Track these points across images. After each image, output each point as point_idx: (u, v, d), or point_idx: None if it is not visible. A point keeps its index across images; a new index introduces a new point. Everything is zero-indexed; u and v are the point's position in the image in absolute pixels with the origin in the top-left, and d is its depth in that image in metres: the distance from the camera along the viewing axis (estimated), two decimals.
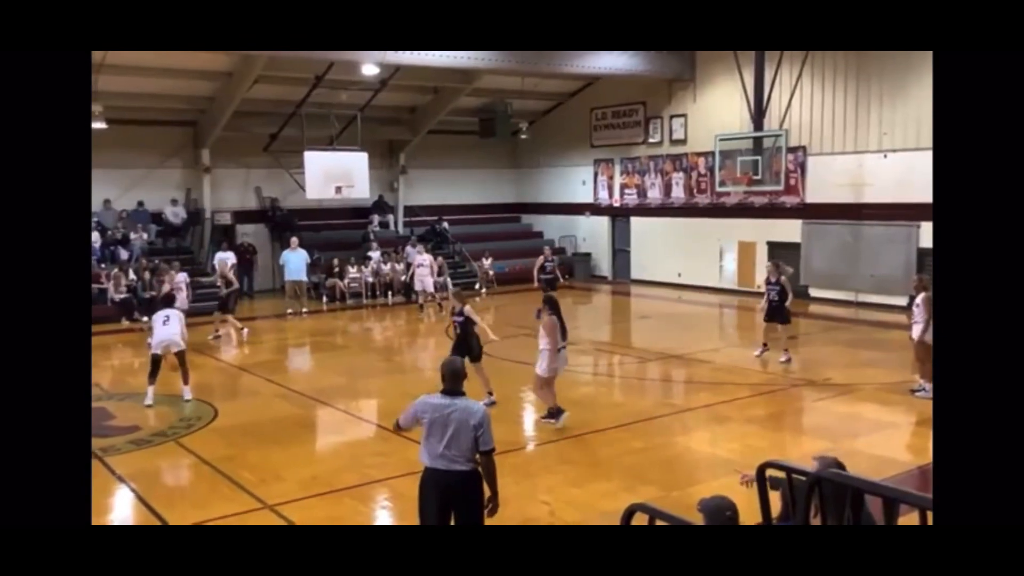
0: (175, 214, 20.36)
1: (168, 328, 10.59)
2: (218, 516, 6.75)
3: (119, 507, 7.42)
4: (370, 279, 20.27)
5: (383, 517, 7.11)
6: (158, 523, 6.72)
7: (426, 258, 18.83)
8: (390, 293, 20.24)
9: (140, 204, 19.93)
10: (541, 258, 18.04)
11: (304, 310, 18.13)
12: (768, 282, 12.89)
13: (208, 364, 13.63)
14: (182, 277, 15.45)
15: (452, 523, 5.01)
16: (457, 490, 4.95)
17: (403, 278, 20.37)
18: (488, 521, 5.11)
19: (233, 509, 6.92)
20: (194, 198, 20.90)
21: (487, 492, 5.06)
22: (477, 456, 4.98)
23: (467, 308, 10.11)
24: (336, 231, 22.49)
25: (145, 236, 19.34)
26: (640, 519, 3.18)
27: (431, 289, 18.52)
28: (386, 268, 20.53)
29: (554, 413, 9.20)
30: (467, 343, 9.90)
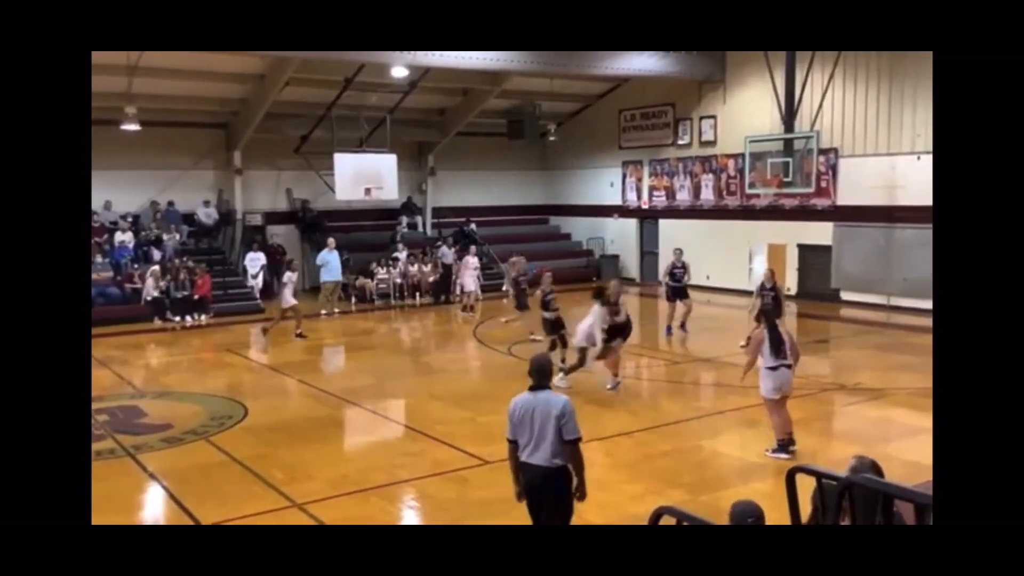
0: (207, 215, 20.63)
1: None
2: (248, 514, 6.83)
3: (150, 505, 7.53)
4: (398, 280, 20.39)
5: (410, 517, 7.15)
6: (189, 521, 6.81)
7: (474, 260, 18.83)
8: (418, 294, 20.34)
9: (171, 204, 20.18)
10: (670, 262, 15.63)
11: (336, 310, 18.30)
12: (764, 288, 13.21)
13: (239, 363, 13.79)
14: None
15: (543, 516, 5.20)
16: (540, 486, 5.12)
17: (431, 279, 20.46)
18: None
19: (263, 507, 6.99)
20: (226, 199, 21.16)
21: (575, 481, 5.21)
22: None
23: (621, 300, 10.94)
24: (365, 232, 22.63)
25: (178, 237, 19.63)
26: (667, 522, 3.17)
27: (474, 288, 18.52)
28: (413, 269, 20.63)
29: (784, 444, 8.13)
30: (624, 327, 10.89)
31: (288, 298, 15.14)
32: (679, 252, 15.79)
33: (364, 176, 19.94)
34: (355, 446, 9.73)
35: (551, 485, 5.12)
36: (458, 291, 19.17)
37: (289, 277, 15.33)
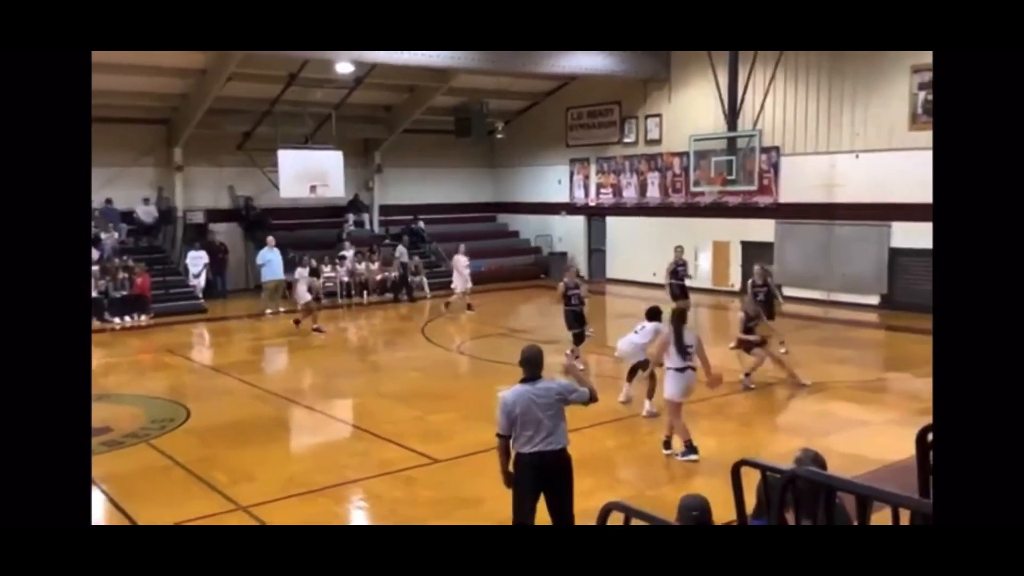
0: (147, 213, 20.14)
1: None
2: (190, 518, 6.68)
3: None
4: (345, 279, 20.17)
5: (358, 517, 7.07)
6: (129, 525, 6.64)
7: (464, 258, 18.44)
8: (365, 292, 20.16)
9: (108, 202, 19.57)
10: (672, 260, 15.27)
11: (281, 309, 18.00)
12: (755, 284, 13.02)
13: (181, 364, 13.49)
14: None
15: (543, 500, 5.33)
16: (552, 470, 5.27)
17: (378, 277, 20.31)
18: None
19: (206, 511, 6.85)
20: (166, 197, 20.67)
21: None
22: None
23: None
24: (311, 230, 22.33)
25: (117, 235, 19.11)
26: (616, 518, 3.19)
27: (465, 286, 18.13)
28: (360, 267, 20.44)
29: (691, 446, 7.94)
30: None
31: (303, 294, 15.66)
32: (680, 249, 15.41)
33: (309, 173, 19.68)
34: (301, 447, 9.60)
35: (564, 465, 5.32)
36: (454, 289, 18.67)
37: (300, 273, 15.78)
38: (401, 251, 20.58)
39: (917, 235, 16.67)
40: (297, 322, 15.89)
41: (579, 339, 12.27)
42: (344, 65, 18.16)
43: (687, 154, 20.47)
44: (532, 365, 5.39)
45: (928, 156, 15.54)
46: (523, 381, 5.34)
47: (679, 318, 8.30)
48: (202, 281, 19.32)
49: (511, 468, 5.36)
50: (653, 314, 10.09)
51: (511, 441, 5.31)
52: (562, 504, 5.34)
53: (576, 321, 12.30)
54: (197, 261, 19.44)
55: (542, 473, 5.26)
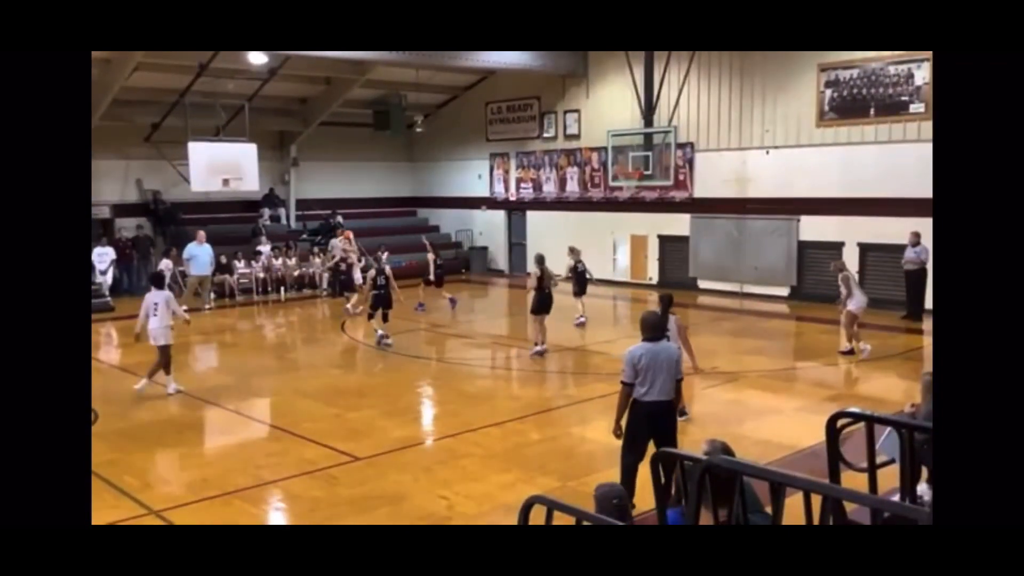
0: None
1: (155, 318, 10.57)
2: (101, 524, 6.41)
3: None
4: (261, 275, 19.70)
5: (275, 518, 6.92)
6: None
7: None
8: (283, 289, 19.75)
9: None
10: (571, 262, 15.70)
11: (207, 306, 17.47)
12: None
13: None
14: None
15: (653, 441, 6.18)
16: (662, 415, 6.32)
17: (296, 272, 19.94)
18: None
19: (117, 516, 6.59)
20: None
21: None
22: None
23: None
24: (224, 225, 21.71)
25: None
26: (538, 511, 3.21)
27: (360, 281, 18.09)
28: (277, 263, 20.00)
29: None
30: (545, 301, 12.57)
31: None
32: (577, 251, 16.21)
33: (222, 166, 19.10)
34: (215, 448, 9.32)
35: (670, 414, 6.42)
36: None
37: (166, 264, 14.79)
38: (334, 244, 20.22)
39: (823, 228, 17.34)
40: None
41: (385, 317, 13.54)
42: (257, 56, 17.70)
43: (605, 149, 20.74)
44: (655, 328, 6.48)
45: (833, 152, 16.11)
46: (647, 340, 6.37)
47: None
48: (109, 279, 18.55)
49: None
50: (156, 280, 11.36)
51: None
52: (669, 446, 6.15)
53: (382, 302, 13.51)
54: (103, 258, 18.65)
55: (654, 420, 6.23)
